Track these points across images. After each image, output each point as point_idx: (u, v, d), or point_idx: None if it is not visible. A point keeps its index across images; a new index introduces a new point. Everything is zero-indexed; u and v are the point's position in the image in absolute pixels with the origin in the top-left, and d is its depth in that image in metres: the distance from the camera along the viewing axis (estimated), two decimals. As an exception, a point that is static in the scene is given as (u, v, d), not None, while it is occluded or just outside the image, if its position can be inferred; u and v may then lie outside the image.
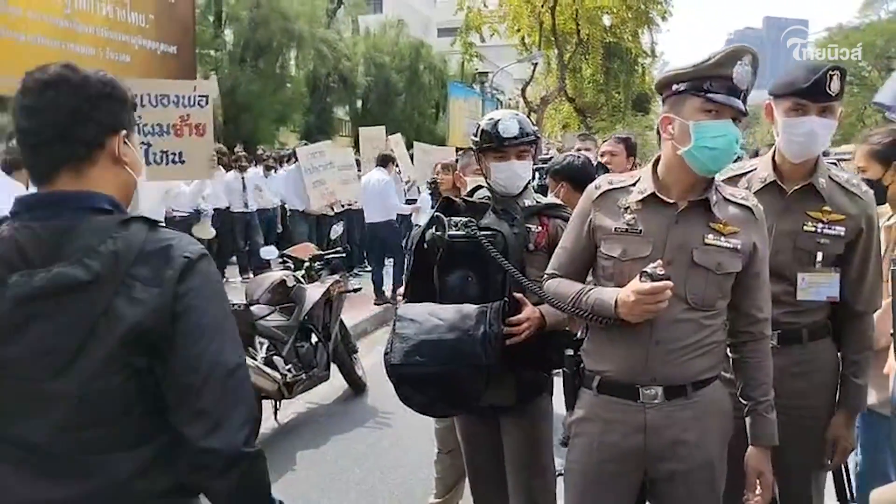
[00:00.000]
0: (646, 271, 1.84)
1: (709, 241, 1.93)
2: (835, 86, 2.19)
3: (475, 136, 2.56)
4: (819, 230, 2.24)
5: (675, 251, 1.93)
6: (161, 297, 1.32)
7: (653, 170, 2.03)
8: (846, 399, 2.33)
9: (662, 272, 1.83)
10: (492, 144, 2.49)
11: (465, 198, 2.58)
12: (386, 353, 2.31)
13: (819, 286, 2.27)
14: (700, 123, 1.88)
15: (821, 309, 2.31)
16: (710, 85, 1.89)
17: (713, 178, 2.00)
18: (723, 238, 1.93)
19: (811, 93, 2.19)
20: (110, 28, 11.65)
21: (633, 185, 2.03)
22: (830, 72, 2.18)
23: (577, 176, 3.35)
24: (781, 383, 2.12)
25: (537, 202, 2.58)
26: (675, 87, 1.95)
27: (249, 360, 4.32)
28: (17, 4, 9.95)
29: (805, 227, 2.25)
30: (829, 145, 2.32)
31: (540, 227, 2.49)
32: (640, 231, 1.96)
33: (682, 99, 1.93)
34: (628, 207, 2.00)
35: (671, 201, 1.96)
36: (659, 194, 1.97)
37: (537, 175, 4.97)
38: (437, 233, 2.36)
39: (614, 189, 2.05)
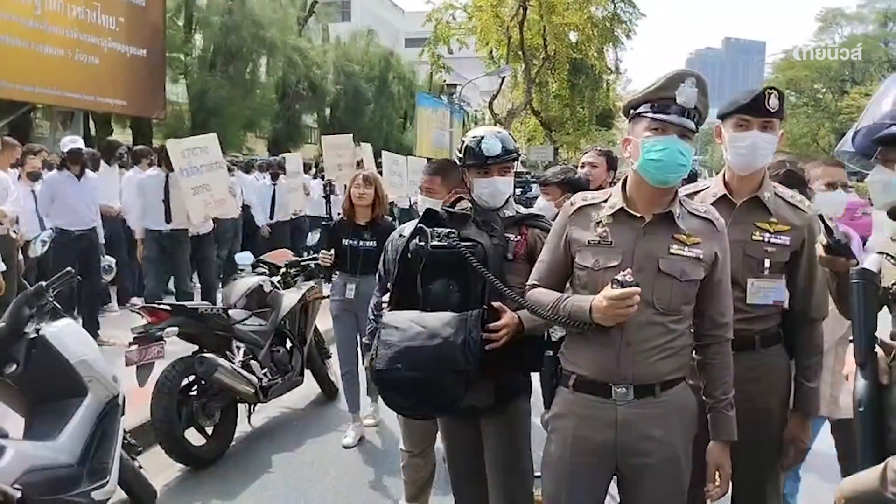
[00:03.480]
0: (616, 279, 1.99)
1: (673, 250, 2.10)
2: (773, 102, 2.42)
3: (459, 152, 2.69)
4: (766, 239, 2.44)
5: (642, 260, 2.09)
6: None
7: (622, 187, 2.20)
8: (800, 402, 2.50)
9: (631, 279, 1.99)
10: (475, 162, 2.62)
11: (448, 209, 2.66)
12: (371, 360, 2.42)
13: (767, 291, 2.45)
14: (646, 140, 2.08)
15: (772, 317, 2.49)
16: (656, 106, 2.09)
17: (676, 193, 2.17)
18: (686, 248, 2.11)
19: (752, 109, 2.43)
20: (80, 30, 11.71)
21: (605, 201, 2.21)
22: (769, 90, 2.43)
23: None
24: (736, 388, 2.29)
25: (517, 213, 2.70)
26: (632, 111, 2.17)
27: (227, 364, 4.40)
28: (-14, 5, 9.91)
29: (753, 237, 2.45)
30: (771, 159, 2.57)
31: (519, 237, 2.61)
32: (611, 243, 2.13)
33: (637, 121, 2.14)
34: (600, 221, 2.17)
35: (638, 215, 2.13)
36: (627, 209, 2.15)
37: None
38: (421, 243, 2.45)
39: (588, 205, 2.23)
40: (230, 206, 7.31)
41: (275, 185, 10.09)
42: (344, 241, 4.66)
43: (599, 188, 3.82)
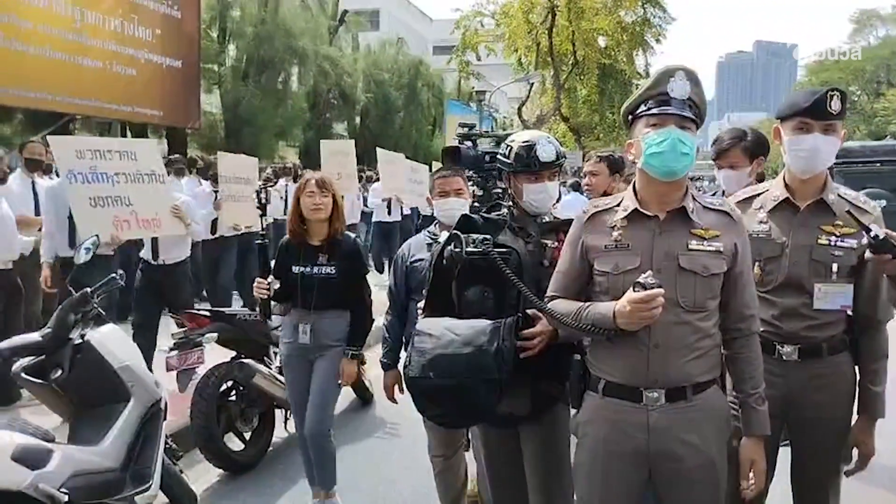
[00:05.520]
0: (638, 282, 1.98)
1: (692, 246, 2.09)
2: (835, 105, 2.36)
3: (506, 157, 2.64)
4: (833, 243, 2.39)
5: (662, 260, 2.09)
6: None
7: (633, 189, 2.21)
8: (865, 407, 2.46)
9: (654, 281, 1.97)
10: (528, 167, 2.59)
11: (484, 214, 2.67)
12: (405, 367, 2.43)
13: (834, 296, 2.40)
14: (646, 136, 2.09)
15: (838, 323, 2.45)
16: (651, 104, 2.11)
17: (688, 188, 2.17)
18: (705, 242, 2.10)
19: (813, 112, 2.37)
20: (118, 42, 11.96)
21: (618, 205, 2.21)
22: (830, 92, 2.37)
23: None
24: (802, 396, 2.27)
25: (555, 218, 2.67)
26: (630, 116, 2.19)
27: (265, 369, 4.45)
28: (28, 18, 10.23)
29: (819, 241, 2.40)
30: (832, 162, 2.49)
31: (556, 243, 2.56)
32: (628, 245, 2.13)
33: (636, 123, 2.16)
34: (615, 226, 2.17)
35: (652, 214, 2.13)
36: (641, 209, 2.14)
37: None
38: (456, 249, 2.44)
39: (601, 211, 2.24)
40: (169, 228, 5.47)
41: (216, 191, 7.54)
42: (294, 267, 3.68)
43: (605, 195, 3.61)
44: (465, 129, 3.62)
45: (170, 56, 13.21)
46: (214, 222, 7.55)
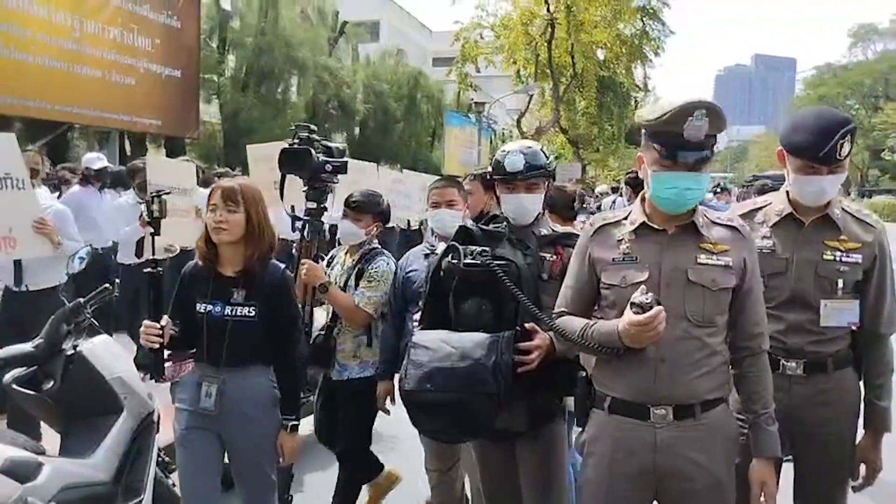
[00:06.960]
0: (634, 302, 1.96)
1: (701, 260, 2.07)
2: (845, 150, 2.33)
3: (492, 166, 2.69)
4: (838, 258, 2.38)
5: (670, 273, 2.07)
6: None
7: (641, 202, 2.18)
8: (871, 422, 2.45)
9: (649, 300, 1.95)
10: (501, 177, 2.62)
11: (482, 226, 2.62)
12: (400, 380, 2.40)
13: (841, 312, 2.39)
14: (655, 175, 2.06)
15: (843, 338, 2.43)
16: (664, 140, 2.03)
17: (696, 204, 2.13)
18: (714, 256, 2.07)
19: (824, 160, 2.32)
20: (117, 51, 11.99)
21: (626, 218, 2.19)
22: (841, 140, 2.29)
23: None
24: (808, 411, 2.25)
25: (553, 231, 2.66)
26: (642, 131, 2.13)
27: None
28: (27, 27, 10.26)
29: (825, 256, 2.38)
30: (836, 194, 2.46)
31: (555, 257, 2.57)
32: (636, 258, 2.11)
33: (647, 145, 2.10)
34: (622, 239, 2.15)
35: (661, 228, 2.11)
36: (649, 223, 2.12)
37: None
38: (454, 261, 2.42)
39: (608, 224, 2.22)
40: (27, 248, 4.15)
41: (142, 202, 5.69)
42: (198, 304, 2.80)
43: (481, 213, 3.39)
44: (307, 134, 3.15)
45: (169, 66, 13.24)
46: (140, 242, 5.81)
